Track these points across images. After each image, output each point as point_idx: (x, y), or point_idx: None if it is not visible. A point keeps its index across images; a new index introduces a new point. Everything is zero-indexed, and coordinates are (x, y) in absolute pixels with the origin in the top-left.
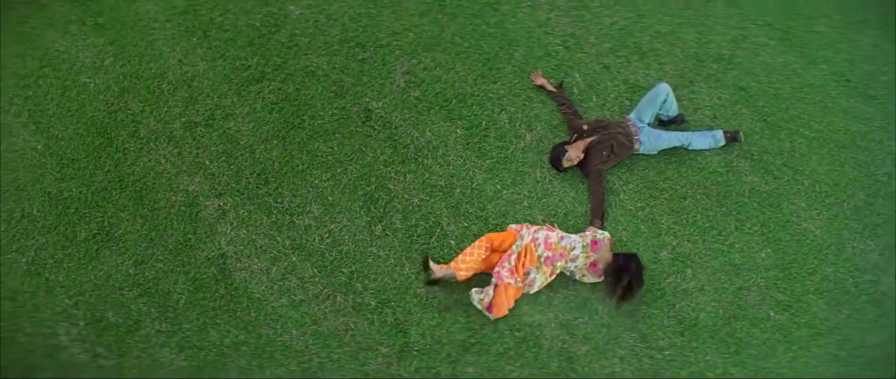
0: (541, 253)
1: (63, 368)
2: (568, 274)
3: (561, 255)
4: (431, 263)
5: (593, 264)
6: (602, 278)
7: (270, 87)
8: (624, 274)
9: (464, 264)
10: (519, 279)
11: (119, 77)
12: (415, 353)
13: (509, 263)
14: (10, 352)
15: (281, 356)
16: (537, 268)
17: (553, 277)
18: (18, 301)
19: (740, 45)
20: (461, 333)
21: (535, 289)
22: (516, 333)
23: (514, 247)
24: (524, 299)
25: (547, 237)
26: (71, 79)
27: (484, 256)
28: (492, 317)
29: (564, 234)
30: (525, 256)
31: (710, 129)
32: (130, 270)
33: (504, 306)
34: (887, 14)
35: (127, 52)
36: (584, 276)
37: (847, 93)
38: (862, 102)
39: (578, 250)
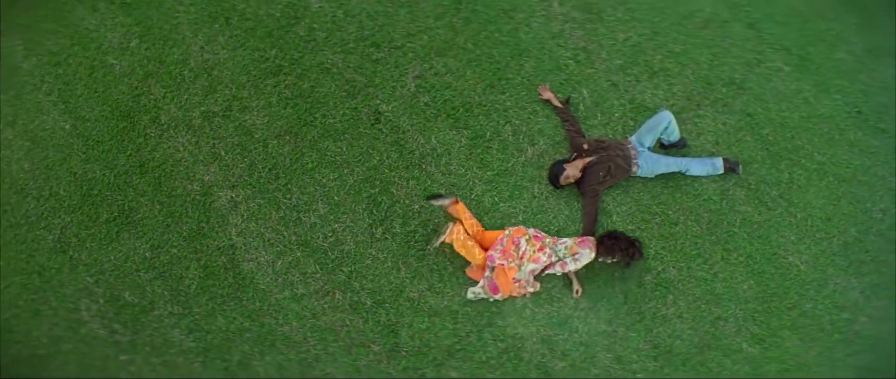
0: (529, 231)
1: (83, 341)
2: (560, 272)
3: (548, 236)
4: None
5: (582, 241)
6: (595, 254)
7: (286, 82)
8: (618, 240)
9: (465, 214)
10: (511, 260)
11: (143, 60)
12: (404, 353)
13: (501, 245)
14: (37, 324)
15: (281, 345)
16: (527, 240)
17: (540, 263)
18: (45, 276)
19: (754, 70)
20: (448, 338)
21: (524, 264)
22: (499, 343)
23: (504, 234)
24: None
25: (535, 228)
26: (98, 59)
27: (476, 230)
28: (500, 297)
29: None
30: (515, 233)
31: (711, 155)
32: (147, 254)
33: (508, 283)
34: None
35: (152, 35)
36: (575, 254)
37: (856, 124)
38: (870, 135)
39: (566, 238)
